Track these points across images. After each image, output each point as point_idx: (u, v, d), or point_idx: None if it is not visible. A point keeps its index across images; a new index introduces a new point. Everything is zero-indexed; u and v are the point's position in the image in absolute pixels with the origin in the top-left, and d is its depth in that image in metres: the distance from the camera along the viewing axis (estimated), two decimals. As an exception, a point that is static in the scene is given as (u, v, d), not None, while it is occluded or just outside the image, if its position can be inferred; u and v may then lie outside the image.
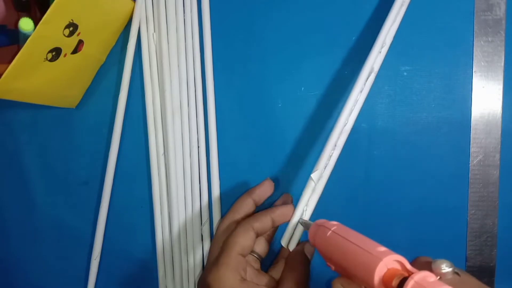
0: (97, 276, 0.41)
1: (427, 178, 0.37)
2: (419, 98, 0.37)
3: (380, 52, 0.35)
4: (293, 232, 0.34)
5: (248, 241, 0.32)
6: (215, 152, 0.39)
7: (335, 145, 0.34)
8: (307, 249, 0.34)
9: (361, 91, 0.35)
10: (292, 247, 0.33)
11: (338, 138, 0.34)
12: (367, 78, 0.35)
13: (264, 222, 0.33)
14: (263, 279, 0.33)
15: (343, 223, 0.38)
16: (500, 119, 0.36)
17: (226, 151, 0.39)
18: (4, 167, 0.43)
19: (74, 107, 0.41)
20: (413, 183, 0.37)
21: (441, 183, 0.37)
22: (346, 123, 0.35)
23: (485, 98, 0.36)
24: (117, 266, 0.41)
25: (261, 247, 0.35)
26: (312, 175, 0.34)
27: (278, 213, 0.34)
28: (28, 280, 0.43)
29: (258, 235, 0.33)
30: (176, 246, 0.39)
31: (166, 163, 0.39)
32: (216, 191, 0.39)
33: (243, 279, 0.31)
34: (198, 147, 0.39)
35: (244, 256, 0.31)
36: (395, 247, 0.37)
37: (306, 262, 0.33)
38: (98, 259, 0.41)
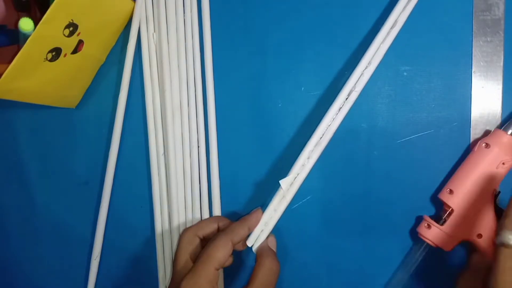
0: (97, 276, 0.41)
1: (427, 178, 0.37)
2: (419, 98, 0.37)
3: (363, 74, 0.35)
4: (259, 235, 0.36)
5: (226, 256, 0.33)
6: (215, 152, 0.39)
7: (309, 157, 0.35)
8: (271, 242, 0.36)
9: (339, 109, 0.36)
10: (255, 247, 0.36)
11: (313, 150, 0.35)
12: (347, 97, 0.36)
13: (241, 233, 0.35)
14: None
15: (343, 223, 0.38)
16: (500, 119, 0.36)
17: (226, 151, 0.39)
18: (4, 167, 0.43)
19: (74, 107, 0.41)
20: (413, 183, 0.37)
21: (442, 183, 0.37)
22: (322, 137, 0.35)
23: (484, 98, 0.37)
24: (117, 266, 0.41)
25: (229, 260, 0.36)
26: (281, 182, 0.35)
27: (253, 220, 0.36)
28: (28, 280, 0.43)
29: (234, 247, 0.34)
30: (176, 246, 0.39)
31: (166, 163, 0.39)
32: (216, 191, 0.39)
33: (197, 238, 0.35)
34: (198, 147, 0.39)
35: (218, 269, 0.33)
36: (395, 246, 0.37)
37: (272, 254, 0.35)
38: (98, 259, 0.41)
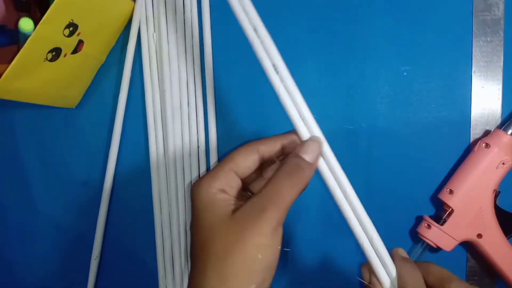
0: (97, 276, 0.41)
1: (427, 178, 0.37)
2: (419, 98, 0.37)
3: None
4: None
5: (248, 162, 0.28)
6: (215, 152, 0.39)
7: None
8: (311, 145, 0.28)
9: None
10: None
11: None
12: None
13: (271, 145, 0.29)
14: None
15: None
16: (500, 119, 0.36)
17: (226, 151, 0.39)
18: (4, 167, 0.43)
19: (74, 107, 0.41)
20: (413, 183, 0.37)
21: (442, 183, 0.37)
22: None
23: (484, 98, 0.37)
24: (117, 266, 0.41)
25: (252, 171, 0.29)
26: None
27: (289, 138, 0.29)
28: (28, 280, 0.43)
29: (263, 160, 0.29)
30: (176, 246, 0.39)
31: (166, 163, 0.39)
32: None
33: (221, 191, 0.27)
34: (198, 147, 0.39)
35: (238, 175, 0.27)
36: (395, 246, 0.37)
37: (301, 166, 0.27)
38: (98, 259, 0.41)
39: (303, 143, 0.28)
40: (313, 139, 0.28)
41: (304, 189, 0.27)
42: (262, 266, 0.25)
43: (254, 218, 0.25)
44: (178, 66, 0.39)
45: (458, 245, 0.35)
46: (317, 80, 0.38)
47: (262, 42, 0.29)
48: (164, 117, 0.39)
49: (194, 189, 0.28)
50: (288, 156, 0.28)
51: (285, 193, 0.26)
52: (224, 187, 0.27)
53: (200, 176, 0.38)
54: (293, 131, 0.29)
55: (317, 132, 0.28)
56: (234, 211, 0.26)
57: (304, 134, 0.28)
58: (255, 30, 0.29)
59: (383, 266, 0.29)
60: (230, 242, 0.25)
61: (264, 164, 0.30)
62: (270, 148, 0.29)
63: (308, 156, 0.27)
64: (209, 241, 0.26)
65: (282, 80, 0.29)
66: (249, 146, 0.29)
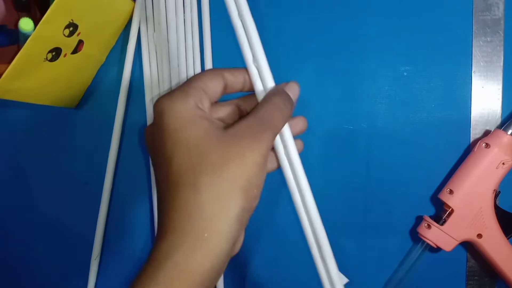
0: (97, 276, 0.41)
1: (427, 178, 0.37)
2: (419, 98, 0.37)
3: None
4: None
5: (214, 84, 0.27)
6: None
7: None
8: (290, 88, 0.29)
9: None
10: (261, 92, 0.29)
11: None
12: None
13: (235, 75, 0.28)
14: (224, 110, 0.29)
15: (342, 224, 0.38)
16: (500, 119, 0.36)
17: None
18: (4, 167, 0.43)
19: (74, 107, 0.41)
20: (413, 183, 0.37)
21: (442, 183, 0.37)
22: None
23: (484, 98, 0.37)
24: (117, 266, 0.41)
25: (228, 114, 0.29)
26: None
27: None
28: (28, 280, 0.43)
29: (226, 88, 0.28)
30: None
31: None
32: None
33: (198, 107, 0.25)
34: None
35: (206, 95, 0.26)
36: (395, 246, 0.37)
37: (284, 94, 0.28)
38: (98, 259, 0.41)
39: (286, 83, 0.29)
40: (294, 82, 0.30)
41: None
42: (257, 184, 0.25)
43: (253, 136, 0.24)
44: (178, 66, 0.39)
45: (458, 245, 0.35)
46: (317, 80, 0.38)
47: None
48: (164, 117, 0.39)
49: (165, 104, 0.25)
50: (275, 88, 0.28)
51: (278, 120, 0.27)
52: (198, 104, 0.25)
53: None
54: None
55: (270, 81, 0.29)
56: (226, 128, 0.25)
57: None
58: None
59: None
60: (231, 154, 0.24)
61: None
62: (233, 77, 0.28)
63: (291, 94, 0.28)
64: (202, 155, 0.24)
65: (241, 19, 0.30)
66: (214, 69, 0.28)
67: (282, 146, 0.29)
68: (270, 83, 0.29)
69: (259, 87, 0.29)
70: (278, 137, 0.29)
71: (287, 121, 0.28)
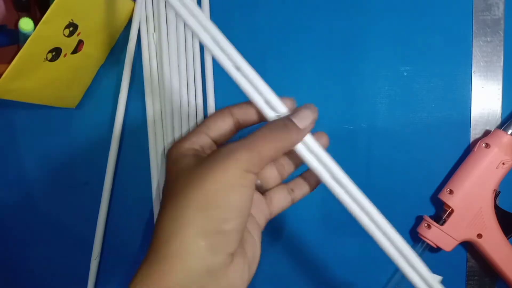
0: (97, 276, 0.41)
1: (427, 178, 0.37)
2: (419, 98, 0.37)
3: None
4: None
5: (219, 123, 0.27)
6: (215, 152, 0.39)
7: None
8: (300, 114, 0.27)
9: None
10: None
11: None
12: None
13: (245, 108, 0.28)
14: None
15: (342, 222, 0.38)
16: (500, 119, 0.36)
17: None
18: (4, 167, 0.43)
19: (74, 107, 0.41)
20: (413, 183, 0.37)
21: (442, 183, 0.37)
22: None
23: (484, 98, 0.37)
24: (117, 266, 0.41)
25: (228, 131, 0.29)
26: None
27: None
28: (28, 280, 0.43)
29: (238, 124, 0.28)
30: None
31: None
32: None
33: (193, 148, 0.27)
34: (198, 147, 0.39)
35: (209, 136, 0.27)
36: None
37: (284, 127, 0.26)
38: (98, 259, 0.41)
39: (298, 108, 0.27)
40: (307, 105, 0.27)
41: (286, 150, 0.26)
42: (222, 204, 0.24)
43: (221, 158, 0.24)
44: (178, 66, 0.39)
45: (458, 245, 0.35)
46: (317, 80, 0.38)
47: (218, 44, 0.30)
48: (164, 117, 0.39)
49: (168, 151, 0.28)
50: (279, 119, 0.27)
51: (261, 142, 0.25)
52: (195, 146, 0.27)
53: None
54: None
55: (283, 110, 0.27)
56: (203, 158, 0.26)
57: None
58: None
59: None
60: (190, 180, 0.24)
61: None
62: (244, 110, 0.28)
63: (297, 120, 0.26)
64: (172, 185, 0.25)
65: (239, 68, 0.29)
66: (222, 109, 0.28)
67: (315, 160, 0.27)
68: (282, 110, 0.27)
69: (270, 116, 0.27)
70: (304, 151, 0.27)
71: (282, 147, 0.26)
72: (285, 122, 0.26)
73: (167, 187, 0.27)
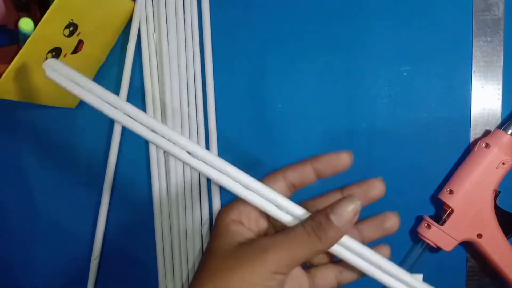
0: (97, 276, 0.41)
1: (427, 178, 0.37)
2: (419, 98, 0.37)
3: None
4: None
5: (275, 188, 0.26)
6: (215, 152, 0.39)
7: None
8: (338, 209, 0.24)
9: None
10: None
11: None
12: None
13: (300, 169, 0.26)
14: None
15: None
16: (500, 119, 0.36)
17: (226, 151, 0.39)
18: (4, 167, 0.43)
19: (74, 107, 0.41)
20: (413, 183, 0.37)
21: (442, 183, 0.37)
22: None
23: (484, 98, 0.37)
24: (117, 266, 0.41)
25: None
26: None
27: (325, 160, 0.26)
28: (28, 280, 0.43)
29: (294, 187, 0.27)
30: (176, 246, 0.39)
31: (166, 163, 0.39)
32: (216, 192, 0.39)
33: (239, 222, 0.26)
34: (198, 147, 0.39)
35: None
36: (395, 246, 0.37)
37: (320, 228, 0.24)
38: (98, 259, 0.41)
39: (336, 201, 0.25)
40: (349, 199, 0.25)
41: (322, 252, 0.25)
42: None
43: (253, 255, 0.24)
44: (178, 66, 0.39)
45: (458, 245, 0.35)
46: (317, 80, 0.38)
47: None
48: (164, 117, 0.39)
49: (216, 217, 0.28)
50: (319, 210, 0.25)
51: (296, 246, 0.24)
52: (241, 218, 0.27)
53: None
54: (327, 154, 0.27)
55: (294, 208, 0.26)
56: (241, 243, 0.25)
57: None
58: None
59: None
60: (221, 269, 0.25)
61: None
62: (298, 173, 0.27)
63: (336, 218, 0.24)
64: (203, 264, 0.26)
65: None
66: (273, 173, 0.27)
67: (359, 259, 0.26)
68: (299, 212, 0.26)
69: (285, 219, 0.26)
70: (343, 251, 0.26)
71: (316, 251, 0.24)
72: (321, 221, 0.24)
73: (208, 249, 0.27)
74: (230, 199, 0.39)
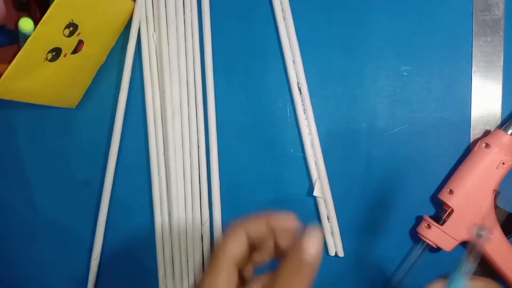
0: (97, 276, 0.41)
1: (427, 178, 0.37)
2: (419, 98, 0.37)
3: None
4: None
5: (240, 247, 0.26)
6: (215, 152, 0.39)
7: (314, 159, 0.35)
8: (312, 236, 0.25)
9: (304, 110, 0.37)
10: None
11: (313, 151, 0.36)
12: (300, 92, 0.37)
13: (258, 225, 0.27)
14: None
15: (342, 223, 0.38)
16: (500, 119, 0.36)
17: (226, 151, 0.39)
18: (4, 167, 0.43)
19: (74, 107, 0.41)
20: (413, 183, 0.37)
21: (442, 183, 0.37)
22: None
23: (484, 98, 0.37)
24: (117, 266, 0.41)
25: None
26: (315, 193, 0.34)
27: (275, 216, 0.27)
28: (28, 280, 0.43)
29: (252, 242, 0.27)
30: (176, 246, 0.39)
31: (166, 163, 0.39)
32: (216, 191, 0.39)
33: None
34: (198, 147, 0.39)
35: (236, 266, 0.26)
36: (395, 246, 0.37)
37: (308, 245, 0.25)
38: (98, 259, 0.41)
39: (303, 238, 0.25)
40: (312, 233, 0.25)
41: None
42: None
43: None
44: (178, 66, 0.39)
45: (458, 245, 0.35)
46: (317, 80, 0.38)
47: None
48: (164, 117, 0.39)
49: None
50: (290, 253, 0.25)
51: None
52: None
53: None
54: (281, 215, 0.27)
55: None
56: None
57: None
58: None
59: None
60: None
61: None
62: (256, 228, 0.27)
63: (311, 254, 0.25)
64: None
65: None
66: (237, 229, 0.27)
67: None
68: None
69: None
70: None
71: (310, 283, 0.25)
72: (302, 258, 0.24)
73: None
74: (230, 199, 0.39)
